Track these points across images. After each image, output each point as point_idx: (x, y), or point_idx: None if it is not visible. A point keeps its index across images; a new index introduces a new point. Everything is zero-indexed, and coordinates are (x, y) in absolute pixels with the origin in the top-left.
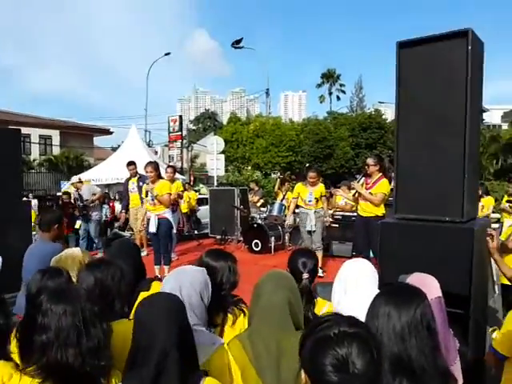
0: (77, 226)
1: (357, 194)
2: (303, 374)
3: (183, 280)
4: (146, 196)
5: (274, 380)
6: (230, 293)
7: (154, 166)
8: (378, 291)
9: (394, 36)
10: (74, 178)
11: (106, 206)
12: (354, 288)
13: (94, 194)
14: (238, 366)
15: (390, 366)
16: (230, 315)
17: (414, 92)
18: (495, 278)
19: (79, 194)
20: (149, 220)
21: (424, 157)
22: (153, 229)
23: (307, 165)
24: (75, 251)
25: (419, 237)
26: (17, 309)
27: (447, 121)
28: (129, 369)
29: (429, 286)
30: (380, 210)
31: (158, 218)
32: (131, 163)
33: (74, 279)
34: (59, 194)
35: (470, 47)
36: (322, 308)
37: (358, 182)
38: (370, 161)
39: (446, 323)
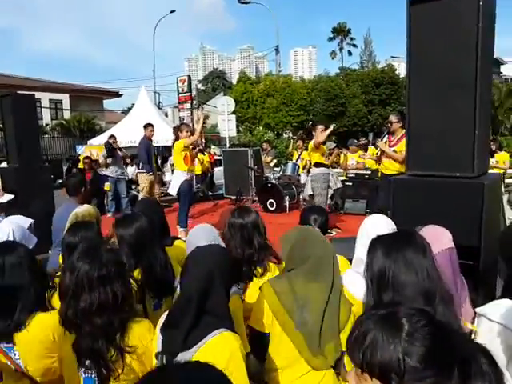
0: (106, 188)
1: (379, 153)
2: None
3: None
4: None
5: (298, 322)
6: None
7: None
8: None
9: None
10: (90, 142)
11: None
12: None
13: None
14: (268, 306)
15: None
16: (258, 268)
17: (426, 48)
18: None
19: (119, 148)
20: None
21: (435, 113)
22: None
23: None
24: (89, 208)
25: (431, 192)
26: (49, 267)
27: (458, 76)
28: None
29: (441, 236)
30: (400, 168)
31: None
32: (150, 125)
33: None
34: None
35: (481, 3)
36: None
37: (382, 139)
38: (392, 118)
39: (458, 271)
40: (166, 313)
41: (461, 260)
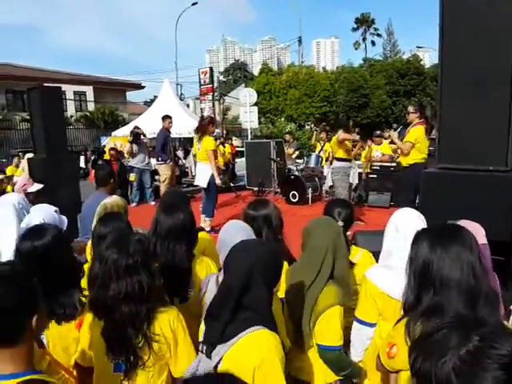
0: (131, 179)
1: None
2: None
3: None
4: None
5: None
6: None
7: None
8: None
9: None
10: (114, 134)
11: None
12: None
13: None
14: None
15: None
16: None
17: (459, 41)
18: None
19: (144, 134)
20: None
21: (468, 106)
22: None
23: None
24: (117, 199)
25: (462, 186)
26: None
27: (493, 70)
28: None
29: (476, 232)
30: (407, 160)
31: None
32: (169, 117)
33: None
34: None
35: None
36: (356, 255)
37: (395, 130)
38: (410, 108)
39: (491, 268)
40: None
41: (491, 255)
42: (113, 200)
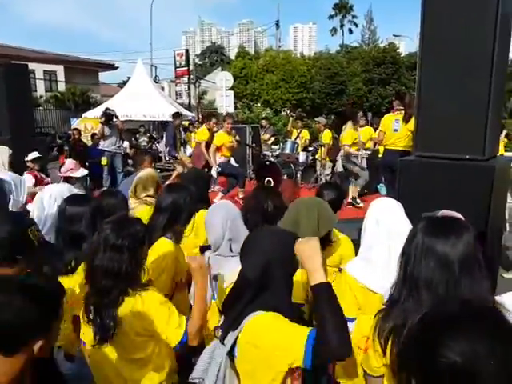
0: (103, 162)
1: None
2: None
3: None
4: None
5: None
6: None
7: None
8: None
9: None
10: (85, 115)
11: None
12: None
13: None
14: None
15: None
16: None
17: (440, 28)
18: (507, 216)
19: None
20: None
21: (446, 94)
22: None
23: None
24: (152, 172)
25: (439, 174)
26: None
27: (473, 57)
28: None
29: None
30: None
31: None
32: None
33: (153, 195)
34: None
35: None
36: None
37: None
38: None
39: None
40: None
41: None
42: (147, 174)
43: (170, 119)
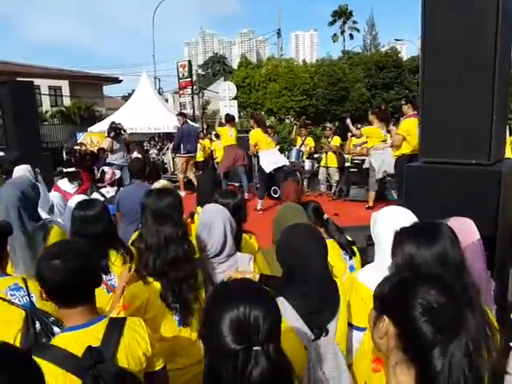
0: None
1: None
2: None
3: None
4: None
5: None
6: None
7: None
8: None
9: None
10: (90, 129)
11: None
12: None
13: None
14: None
15: None
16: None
17: (441, 31)
18: None
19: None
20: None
21: (450, 99)
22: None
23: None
24: (166, 183)
25: (445, 180)
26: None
27: (476, 58)
28: (286, 284)
29: (469, 228)
30: (397, 152)
31: None
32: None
33: None
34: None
35: None
36: None
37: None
38: (402, 101)
39: (485, 265)
40: None
41: None
42: (162, 185)
43: (175, 131)
